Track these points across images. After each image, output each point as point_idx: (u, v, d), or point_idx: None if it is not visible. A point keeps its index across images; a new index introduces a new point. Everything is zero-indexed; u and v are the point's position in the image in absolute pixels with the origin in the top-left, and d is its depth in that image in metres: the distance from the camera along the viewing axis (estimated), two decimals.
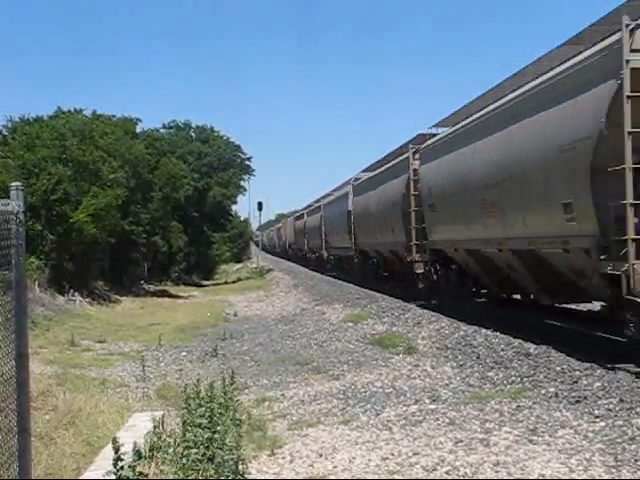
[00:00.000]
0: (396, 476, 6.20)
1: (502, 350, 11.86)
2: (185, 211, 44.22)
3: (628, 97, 9.06)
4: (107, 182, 29.95)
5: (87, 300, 26.97)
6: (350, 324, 17.41)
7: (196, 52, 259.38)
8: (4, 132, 31.57)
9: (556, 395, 8.77)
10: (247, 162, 51.96)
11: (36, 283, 22.79)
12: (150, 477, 5.39)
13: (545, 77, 11.74)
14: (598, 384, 8.90)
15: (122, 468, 4.61)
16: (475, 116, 15.18)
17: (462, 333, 13.87)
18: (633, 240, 9.05)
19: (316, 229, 43.28)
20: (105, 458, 5.79)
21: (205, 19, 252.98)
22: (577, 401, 8.40)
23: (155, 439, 6.27)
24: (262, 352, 14.20)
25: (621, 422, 7.34)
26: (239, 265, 74.06)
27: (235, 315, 22.71)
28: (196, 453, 5.56)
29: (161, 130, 49.36)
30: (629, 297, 9.30)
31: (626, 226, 9.08)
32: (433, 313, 16.95)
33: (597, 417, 7.66)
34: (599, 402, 8.21)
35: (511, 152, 12.56)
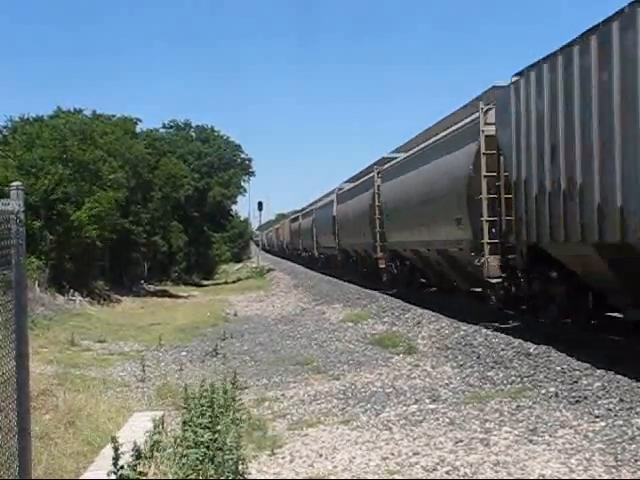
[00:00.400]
0: (396, 476, 6.20)
1: (502, 350, 11.85)
2: (185, 211, 44.24)
3: (483, 154, 14.20)
4: (107, 182, 29.96)
5: (87, 300, 26.98)
6: (350, 324, 17.41)
7: (196, 52, 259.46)
8: (4, 132, 31.59)
9: (556, 395, 8.77)
10: (247, 163, 52.01)
11: (36, 283, 22.78)
12: (150, 477, 5.39)
13: (448, 131, 17.28)
14: (598, 384, 8.90)
15: (122, 468, 4.62)
16: (414, 150, 20.70)
17: (462, 333, 13.87)
18: (488, 243, 14.18)
19: (309, 231, 47.76)
20: (105, 458, 5.79)
21: (205, 19, 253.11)
22: (577, 401, 8.40)
23: (155, 439, 6.27)
24: (262, 352, 14.20)
25: (621, 422, 7.34)
26: (239, 265, 74.10)
27: (235, 315, 22.71)
28: (196, 453, 5.56)
29: (161, 130, 49.41)
30: (487, 279, 14.27)
31: (483, 234, 14.27)
32: (433, 313, 16.95)
33: (597, 417, 7.66)
34: (599, 402, 8.21)
35: (431, 180, 17.64)
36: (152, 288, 38.23)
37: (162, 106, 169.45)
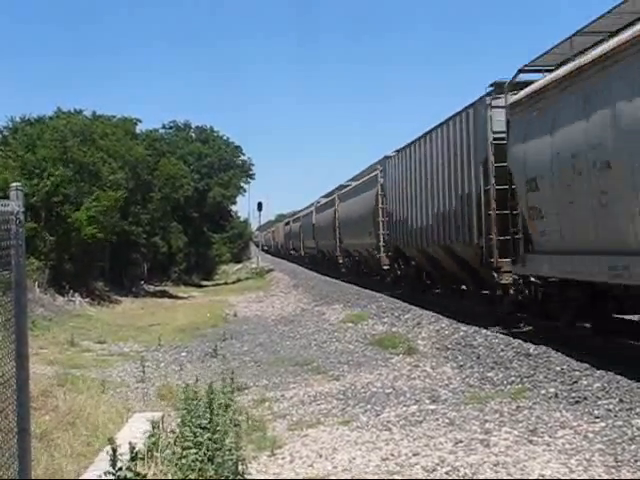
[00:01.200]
0: (396, 476, 6.20)
1: (502, 350, 11.85)
2: (185, 212, 44.25)
3: (380, 195, 25.95)
4: (107, 183, 29.98)
5: (87, 300, 26.99)
6: (350, 324, 17.41)
7: (196, 52, 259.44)
8: (5, 132, 31.60)
9: (556, 395, 8.77)
10: (247, 165, 52.02)
11: (36, 284, 22.79)
12: (149, 477, 5.39)
13: (366, 177, 30.54)
14: (598, 384, 8.90)
15: (121, 469, 4.61)
16: (348, 188, 34.73)
17: (462, 333, 13.86)
18: (382, 245, 25.65)
19: (297, 234, 57.50)
20: (105, 458, 5.77)
21: (205, 19, 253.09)
22: (577, 401, 8.39)
23: (155, 439, 6.27)
24: (262, 352, 14.20)
25: (621, 422, 7.34)
26: (239, 265, 74.10)
27: (235, 315, 22.71)
28: (196, 453, 5.56)
29: (161, 130, 49.43)
30: (383, 267, 25.89)
31: (380, 240, 25.60)
32: (433, 313, 16.95)
33: (597, 417, 7.65)
34: (599, 402, 8.21)
35: (359, 207, 29.88)
36: (152, 289, 38.24)
37: (162, 106, 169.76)
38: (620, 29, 10.39)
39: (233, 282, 46.81)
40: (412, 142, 21.36)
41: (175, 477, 5.50)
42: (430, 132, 19.17)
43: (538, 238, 12.21)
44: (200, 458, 5.54)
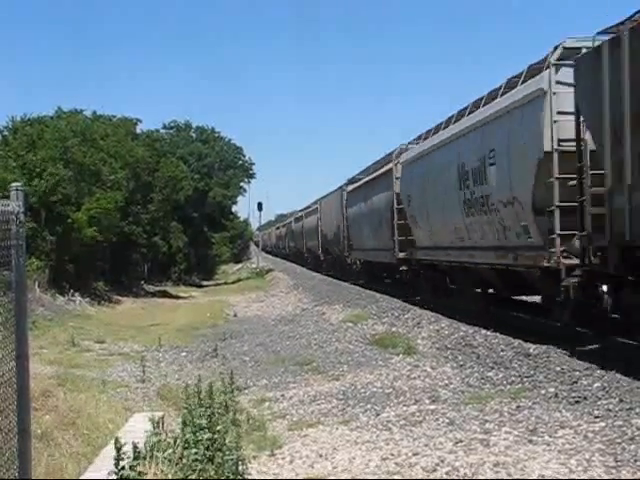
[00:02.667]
0: (396, 476, 6.20)
1: (502, 350, 11.85)
2: (185, 212, 44.26)
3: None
4: (107, 183, 29.98)
5: (87, 300, 27.00)
6: (350, 324, 17.41)
7: (196, 52, 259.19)
8: (5, 132, 31.60)
9: (556, 395, 8.77)
10: (248, 166, 52.07)
11: (36, 283, 22.79)
12: (150, 477, 5.40)
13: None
14: (598, 384, 8.90)
15: (123, 468, 4.62)
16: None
17: (462, 333, 13.86)
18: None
19: (284, 237, 73.43)
20: (105, 458, 5.80)
21: (205, 19, 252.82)
22: (577, 401, 8.39)
23: (155, 439, 6.27)
24: (262, 352, 14.20)
25: (621, 422, 7.33)
26: (239, 265, 74.16)
27: (235, 315, 22.72)
28: (196, 453, 5.56)
29: (161, 130, 49.46)
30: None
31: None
32: (433, 313, 16.95)
33: (597, 417, 7.65)
34: (599, 402, 8.20)
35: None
36: (152, 289, 38.25)
37: (162, 107, 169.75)
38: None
39: (233, 282, 46.82)
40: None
41: (175, 477, 5.50)
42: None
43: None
44: (200, 458, 5.54)
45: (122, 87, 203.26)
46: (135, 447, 4.84)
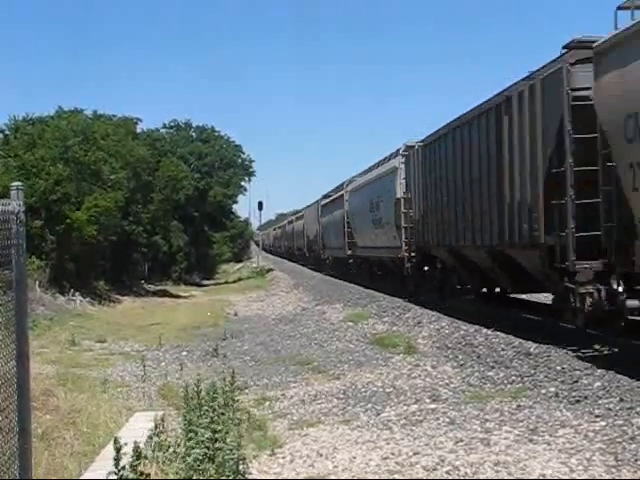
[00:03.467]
0: (396, 476, 6.20)
1: (502, 350, 11.86)
2: (185, 211, 44.25)
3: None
4: (107, 182, 29.98)
5: (88, 300, 27.00)
6: (350, 324, 17.41)
7: (197, 52, 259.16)
8: (6, 131, 31.60)
9: (556, 395, 8.77)
10: (248, 163, 52.02)
11: (37, 283, 22.79)
12: (151, 477, 5.40)
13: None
14: (598, 384, 8.90)
15: (123, 468, 4.62)
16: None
17: (462, 333, 13.87)
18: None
19: (280, 237, 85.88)
20: (106, 458, 5.80)
21: (206, 19, 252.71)
22: (577, 401, 8.40)
23: (156, 439, 6.27)
24: (262, 352, 14.20)
25: (621, 422, 7.34)
26: (239, 265, 74.19)
27: (236, 315, 22.72)
28: (197, 453, 5.56)
29: (162, 130, 49.44)
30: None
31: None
32: (433, 313, 16.96)
33: (597, 417, 7.65)
34: (599, 402, 8.21)
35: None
36: (152, 288, 38.26)
37: (162, 106, 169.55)
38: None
39: (234, 281, 46.82)
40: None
41: (176, 476, 5.50)
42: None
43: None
44: (201, 457, 5.55)
45: (122, 87, 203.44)
46: (137, 447, 4.83)
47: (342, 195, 33.49)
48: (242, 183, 52.00)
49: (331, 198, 38.35)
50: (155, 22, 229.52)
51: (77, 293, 26.38)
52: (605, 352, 10.54)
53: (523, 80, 13.05)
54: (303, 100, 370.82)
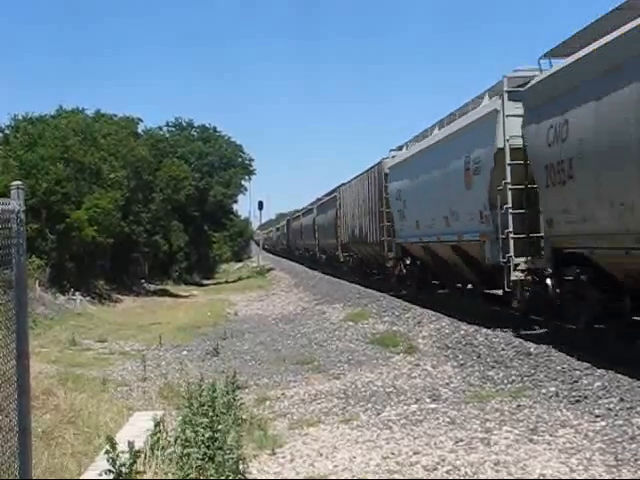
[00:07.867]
0: (396, 476, 6.20)
1: (502, 349, 11.86)
2: (186, 210, 44.24)
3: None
4: (107, 182, 29.97)
5: (88, 299, 27.01)
6: (351, 323, 17.41)
7: (197, 52, 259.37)
8: (6, 131, 31.60)
9: (556, 394, 8.77)
10: (248, 162, 52.00)
11: (37, 282, 22.80)
12: (150, 476, 5.40)
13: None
14: (598, 383, 8.90)
15: (122, 466, 4.62)
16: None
17: (462, 332, 13.87)
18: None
19: (279, 237, 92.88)
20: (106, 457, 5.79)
21: (206, 19, 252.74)
22: (577, 400, 8.40)
23: (155, 438, 6.27)
24: (263, 351, 14.20)
25: (621, 421, 7.33)
26: (240, 264, 74.19)
27: (236, 314, 22.72)
28: (196, 452, 5.56)
29: (164, 129, 49.42)
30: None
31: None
32: (433, 312, 16.95)
33: (597, 416, 7.65)
34: (599, 401, 8.20)
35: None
36: (153, 287, 38.26)
37: (163, 106, 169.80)
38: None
39: (234, 281, 46.83)
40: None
41: (176, 476, 5.50)
42: None
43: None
44: (201, 457, 5.55)
45: (123, 86, 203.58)
46: (132, 446, 4.82)
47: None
48: (242, 182, 52.02)
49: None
50: (156, 22, 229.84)
51: (77, 292, 26.39)
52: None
53: None
54: (303, 100, 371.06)
